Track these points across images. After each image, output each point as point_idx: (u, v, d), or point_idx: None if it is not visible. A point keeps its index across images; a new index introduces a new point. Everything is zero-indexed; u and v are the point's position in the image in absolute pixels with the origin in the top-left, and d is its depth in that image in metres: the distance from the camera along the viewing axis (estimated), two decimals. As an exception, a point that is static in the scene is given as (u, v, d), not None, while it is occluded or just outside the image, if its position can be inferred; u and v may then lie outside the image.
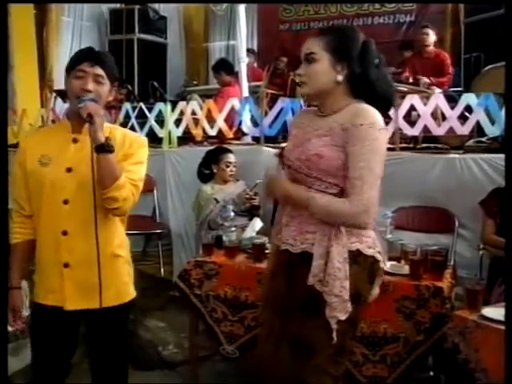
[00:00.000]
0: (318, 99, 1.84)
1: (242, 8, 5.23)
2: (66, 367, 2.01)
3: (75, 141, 1.88)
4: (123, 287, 1.96)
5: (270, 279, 1.93)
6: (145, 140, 2.01)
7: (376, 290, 1.88)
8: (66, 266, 1.85)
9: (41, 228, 1.87)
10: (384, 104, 1.81)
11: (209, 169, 3.75)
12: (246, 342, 2.76)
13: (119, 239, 1.95)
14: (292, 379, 1.81)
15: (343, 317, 1.71)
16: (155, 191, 4.50)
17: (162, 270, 4.34)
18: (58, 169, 1.84)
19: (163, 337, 3.32)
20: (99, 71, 1.83)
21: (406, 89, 4.57)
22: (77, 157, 1.85)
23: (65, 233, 1.84)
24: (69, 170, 1.84)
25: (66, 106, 5.85)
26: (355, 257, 1.75)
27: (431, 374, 2.55)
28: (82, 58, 1.84)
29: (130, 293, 1.99)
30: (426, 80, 5.01)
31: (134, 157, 1.91)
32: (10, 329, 2.83)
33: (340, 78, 1.76)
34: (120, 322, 1.99)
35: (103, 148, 1.74)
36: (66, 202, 1.83)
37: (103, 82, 1.85)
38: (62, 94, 5.63)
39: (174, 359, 3.22)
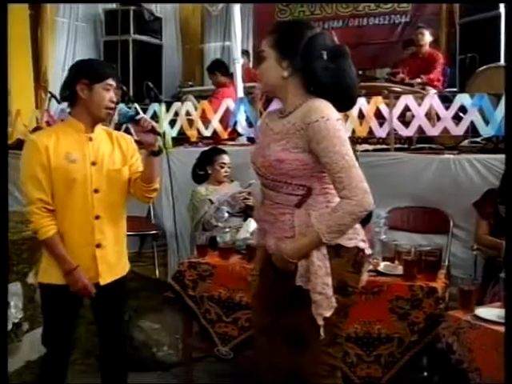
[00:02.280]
0: (276, 97, 1.88)
1: (237, 9, 5.23)
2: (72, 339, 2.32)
3: (91, 139, 2.19)
4: (126, 259, 2.35)
5: (259, 276, 1.98)
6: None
7: (365, 277, 1.93)
8: (98, 246, 2.16)
9: (71, 216, 2.13)
10: (341, 97, 1.81)
11: (203, 170, 3.74)
12: (240, 343, 2.75)
13: (124, 218, 2.33)
14: (288, 370, 1.87)
15: (328, 313, 1.75)
16: (150, 192, 4.48)
17: (157, 271, 4.33)
18: (84, 164, 2.14)
19: (158, 338, 3.30)
20: (115, 85, 2.19)
21: (400, 89, 4.58)
22: (97, 152, 2.18)
23: (97, 217, 2.15)
24: (93, 163, 2.15)
25: (61, 107, 5.85)
26: (336, 250, 1.78)
27: (425, 374, 2.54)
28: (109, 73, 2.18)
29: (129, 264, 2.38)
30: (417, 80, 5.01)
31: (136, 158, 2.32)
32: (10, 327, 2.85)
33: (286, 73, 1.79)
34: (125, 289, 2.36)
35: (158, 153, 2.19)
36: (96, 191, 2.14)
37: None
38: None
39: (169, 360, 3.20)
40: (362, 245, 1.83)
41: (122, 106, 2.21)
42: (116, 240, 2.23)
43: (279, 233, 1.83)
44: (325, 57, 1.78)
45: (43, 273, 2.22)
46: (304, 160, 1.74)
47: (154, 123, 2.16)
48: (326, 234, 1.70)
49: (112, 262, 2.21)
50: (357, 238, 1.82)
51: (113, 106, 2.17)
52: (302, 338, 1.82)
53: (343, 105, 1.83)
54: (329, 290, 1.74)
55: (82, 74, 2.15)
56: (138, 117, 2.18)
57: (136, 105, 4.78)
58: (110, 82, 2.15)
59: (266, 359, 1.93)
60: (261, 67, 1.83)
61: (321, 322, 1.75)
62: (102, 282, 2.18)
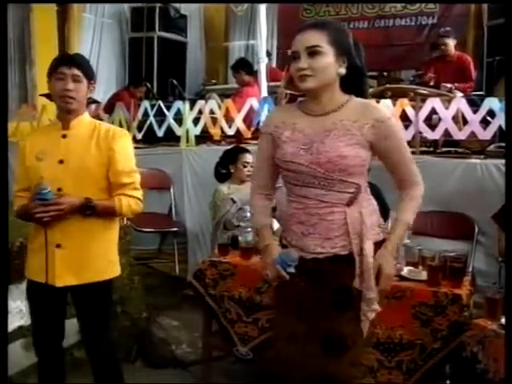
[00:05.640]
0: (317, 95, 1.81)
1: (262, 8, 5.21)
2: (60, 331, 2.25)
3: (64, 136, 2.14)
4: (108, 265, 2.19)
5: (287, 285, 1.89)
6: (127, 132, 2.32)
7: None
8: (58, 246, 2.07)
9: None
10: (365, 97, 1.89)
11: (226, 168, 3.72)
12: (259, 344, 2.74)
13: (109, 221, 2.18)
14: (322, 376, 1.81)
15: (379, 308, 1.80)
16: (172, 189, 4.50)
17: (177, 268, 4.33)
18: (51, 162, 2.09)
19: (177, 335, 3.31)
20: (76, 72, 2.08)
21: (426, 92, 4.52)
22: (67, 150, 2.11)
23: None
24: (61, 161, 2.09)
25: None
26: (381, 244, 1.82)
27: (448, 382, 2.50)
28: (60, 62, 2.10)
29: (115, 271, 2.23)
30: (448, 85, 4.93)
31: (117, 156, 2.14)
32: (21, 323, 2.86)
33: (343, 70, 1.78)
34: (103, 296, 2.21)
35: (87, 209, 2.06)
36: (59, 189, 2.06)
37: (81, 80, 2.09)
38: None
39: (187, 358, 3.21)
40: None
41: None
42: (85, 243, 2.11)
43: (325, 233, 1.79)
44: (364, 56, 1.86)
45: (26, 267, 2.21)
46: (363, 157, 1.77)
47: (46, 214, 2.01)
48: (412, 220, 1.83)
49: (76, 264, 2.09)
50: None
51: (68, 94, 2.06)
52: (344, 340, 1.78)
53: None
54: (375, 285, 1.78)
55: (48, 70, 2.14)
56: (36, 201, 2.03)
57: (160, 102, 4.79)
58: (63, 70, 2.06)
59: (298, 367, 1.85)
60: (318, 63, 1.74)
61: (372, 318, 1.80)
62: (59, 283, 2.08)
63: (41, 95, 2.03)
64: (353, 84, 1.83)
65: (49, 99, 2.23)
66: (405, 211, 1.82)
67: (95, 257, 2.13)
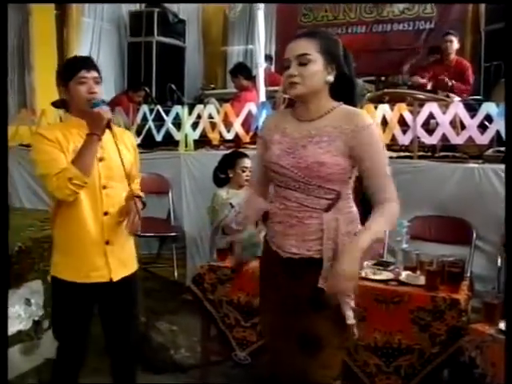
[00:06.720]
0: (306, 101, 1.85)
1: (260, 12, 5.22)
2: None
3: None
4: (134, 257, 2.33)
5: (268, 282, 1.97)
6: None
7: None
8: (108, 243, 2.14)
9: (79, 213, 2.09)
10: (355, 103, 1.90)
11: (224, 173, 3.73)
12: (258, 349, 2.74)
13: None
14: (302, 375, 1.84)
15: (353, 321, 1.79)
16: (170, 194, 4.50)
17: (176, 273, 4.34)
18: None
19: (175, 340, 3.31)
20: (95, 74, 2.13)
21: (424, 96, 4.53)
22: (103, 148, 2.13)
23: (106, 213, 2.13)
24: (101, 159, 2.12)
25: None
26: None
27: (446, 387, 2.51)
28: (78, 66, 2.11)
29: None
30: (449, 82, 4.95)
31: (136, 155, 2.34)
32: (20, 328, 2.87)
33: (331, 78, 1.82)
34: (136, 285, 2.33)
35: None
36: (104, 187, 2.13)
37: (100, 82, 2.16)
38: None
39: (186, 363, 3.21)
40: None
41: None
42: (126, 236, 2.22)
43: (301, 235, 1.83)
44: (353, 65, 1.88)
45: (55, 266, 2.20)
46: (342, 164, 1.78)
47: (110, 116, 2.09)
48: (380, 236, 1.80)
49: (123, 257, 2.21)
50: None
51: (94, 96, 2.08)
52: (319, 340, 1.80)
53: None
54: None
55: (58, 77, 2.16)
56: (97, 108, 2.06)
57: (159, 106, 4.80)
58: (83, 74, 2.08)
59: (282, 363, 1.92)
60: (307, 70, 1.79)
61: (352, 322, 1.79)
62: (115, 277, 2.16)
63: (53, 103, 2.02)
64: (342, 91, 1.86)
65: (58, 106, 2.21)
66: (374, 222, 1.73)
67: (129, 248, 2.28)
